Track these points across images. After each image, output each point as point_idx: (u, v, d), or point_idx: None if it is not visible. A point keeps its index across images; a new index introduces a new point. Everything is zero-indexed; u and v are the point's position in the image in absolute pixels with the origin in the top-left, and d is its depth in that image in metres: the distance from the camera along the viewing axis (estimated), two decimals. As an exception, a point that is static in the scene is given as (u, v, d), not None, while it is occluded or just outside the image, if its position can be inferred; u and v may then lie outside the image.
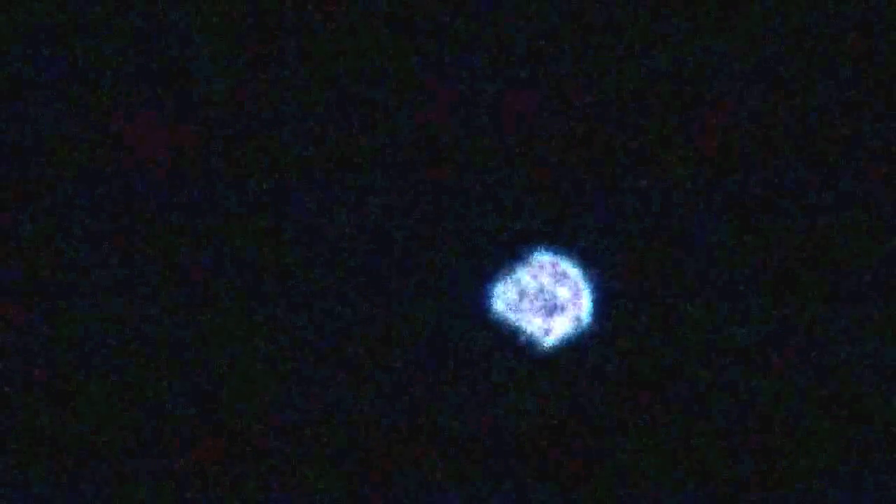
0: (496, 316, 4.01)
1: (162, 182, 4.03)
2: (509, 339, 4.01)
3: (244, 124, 4.06)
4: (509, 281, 4.01)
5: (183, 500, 3.97)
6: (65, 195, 4.02)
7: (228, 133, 4.05)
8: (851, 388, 3.99)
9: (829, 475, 3.98)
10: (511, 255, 4.02)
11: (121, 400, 3.99)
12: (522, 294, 4.01)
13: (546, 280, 4.01)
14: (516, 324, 4.01)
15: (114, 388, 3.99)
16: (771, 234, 4.02)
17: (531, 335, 4.00)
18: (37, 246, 4.01)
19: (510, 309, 4.01)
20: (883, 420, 3.98)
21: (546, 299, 4.00)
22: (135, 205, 4.03)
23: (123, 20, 4.06)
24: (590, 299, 4.01)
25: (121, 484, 3.97)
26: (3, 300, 3.99)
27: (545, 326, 4.00)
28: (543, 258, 4.02)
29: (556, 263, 4.01)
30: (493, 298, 4.01)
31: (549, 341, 4.00)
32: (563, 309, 4.01)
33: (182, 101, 4.05)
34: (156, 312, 4.01)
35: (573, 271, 4.02)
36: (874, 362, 3.99)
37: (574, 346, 4.00)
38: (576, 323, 4.01)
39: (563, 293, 4.01)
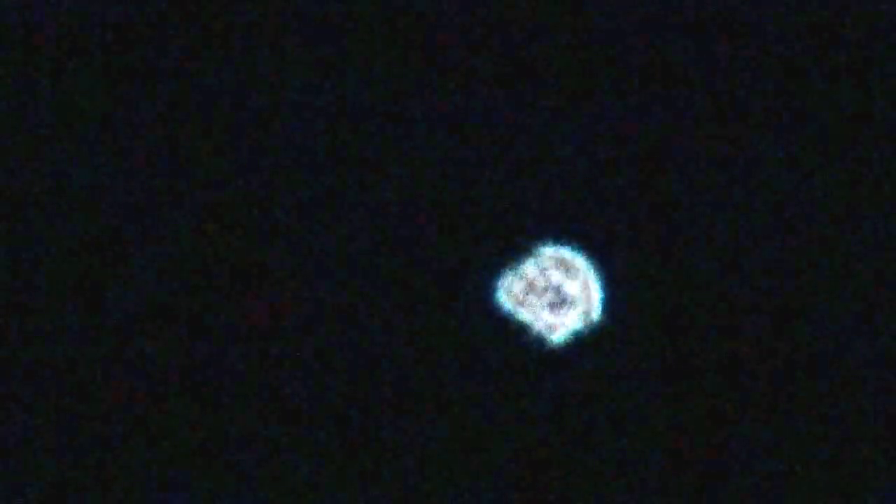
0: (503, 311, 3.99)
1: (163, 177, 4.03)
2: (517, 334, 3.99)
3: (244, 123, 4.06)
4: (517, 275, 4.00)
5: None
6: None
7: (227, 132, 4.05)
8: (850, 385, 3.99)
9: (834, 474, 3.98)
10: (518, 248, 4.01)
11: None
12: (530, 288, 3.98)
13: (554, 274, 3.99)
14: (524, 319, 3.99)
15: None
16: (780, 229, 4.03)
17: (539, 330, 3.98)
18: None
19: (517, 304, 3.98)
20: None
21: (554, 294, 3.98)
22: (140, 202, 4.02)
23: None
24: (599, 294, 3.99)
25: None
26: None
27: (553, 321, 3.97)
28: (551, 252, 4.00)
29: (565, 257, 4.00)
30: (501, 293, 3.99)
31: (558, 337, 3.98)
32: (571, 304, 3.98)
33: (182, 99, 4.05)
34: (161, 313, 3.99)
35: (582, 265, 4.00)
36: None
37: (582, 342, 3.98)
38: (584, 318, 3.99)
39: (571, 288, 3.99)
